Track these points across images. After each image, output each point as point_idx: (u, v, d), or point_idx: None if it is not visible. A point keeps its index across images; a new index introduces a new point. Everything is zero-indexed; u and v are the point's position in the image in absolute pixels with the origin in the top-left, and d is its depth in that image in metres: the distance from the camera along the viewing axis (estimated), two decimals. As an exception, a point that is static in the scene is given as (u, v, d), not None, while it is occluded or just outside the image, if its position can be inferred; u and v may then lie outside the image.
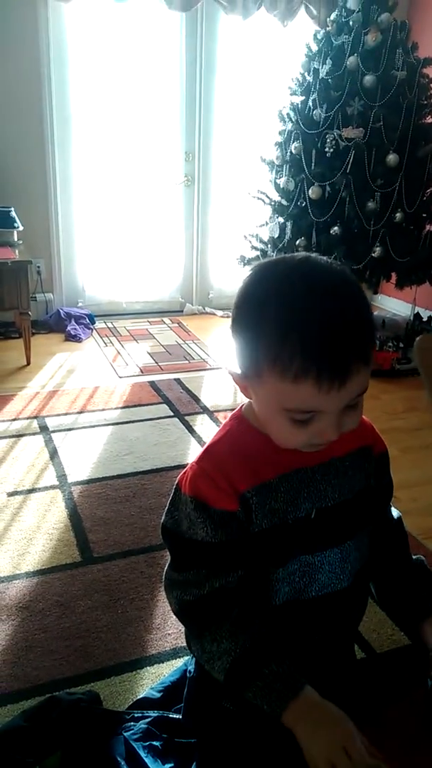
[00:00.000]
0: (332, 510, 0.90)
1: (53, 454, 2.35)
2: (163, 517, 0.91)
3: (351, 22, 3.13)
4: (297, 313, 0.72)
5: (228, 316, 4.56)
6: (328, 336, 0.71)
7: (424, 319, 3.66)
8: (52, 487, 2.14)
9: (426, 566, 1.04)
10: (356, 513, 0.93)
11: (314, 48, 3.30)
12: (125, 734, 1.15)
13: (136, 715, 1.21)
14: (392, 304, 4.38)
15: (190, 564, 0.87)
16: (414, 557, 1.05)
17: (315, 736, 0.74)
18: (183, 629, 1.51)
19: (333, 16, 3.26)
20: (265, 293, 0.76)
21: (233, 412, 0.94)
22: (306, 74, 3.32)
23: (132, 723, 1.18)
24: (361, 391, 0.76)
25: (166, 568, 0.92)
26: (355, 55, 3.05)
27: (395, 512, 1.05)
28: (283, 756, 0.84)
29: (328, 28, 3.26)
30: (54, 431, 2.54)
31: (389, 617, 1.03)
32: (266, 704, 0.78)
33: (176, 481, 0.91)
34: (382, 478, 0.99)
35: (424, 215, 3.30)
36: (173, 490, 0.91)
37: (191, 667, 1.06)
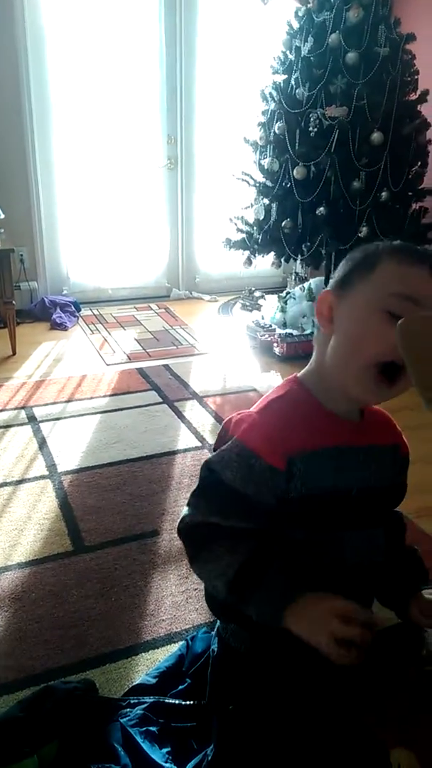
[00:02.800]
0: (372, 492, 0.93)
1: (42, 444, 2.34)
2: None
3: (332, -1, 3.08)
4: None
5: (215, 301, 4.55)
6: None
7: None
8: (42, 477, 2.12)
9: (417, 551, 1.06)
10: (388, 502, 0.98)
11: (295, 25, 3.25)
12: (122, 721, 1.15)
13: (132, 701, 1.21)
14: (379, 285, 4.38)
15: (204, 494, 0.90)
16: (408, 547, 1.07)
17: (309, 624, 0.79)
18: (177, 615, 1.52)
19: (314, -8, 3.21)
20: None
21: (288, 377, 0.96)
22: (288, 52, 3.27)
23: (128, 709, 1.18)
24: None
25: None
26: (337, 32, 3.01)
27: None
28: (310, 727, 0.87)
29: (309, 5, 3.20)
30: (42, 421, 2.52)
31: (383, 605, 1.04)
32: (267, 614, 0.83)
33: (222, 425, 0.94)
34: (403, 477, 1.03)
35: (410, 193, 3.28)
36: (219, 433, 0.95)
37: (214, 646, 1.07)
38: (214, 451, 0.93)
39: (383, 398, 0.87)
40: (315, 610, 0.80)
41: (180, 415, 2.59)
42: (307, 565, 0.90)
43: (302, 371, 0.95)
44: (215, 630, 1.08)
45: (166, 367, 3.11)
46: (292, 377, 0.96)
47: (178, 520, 0.93)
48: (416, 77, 3.22)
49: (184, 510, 0.93)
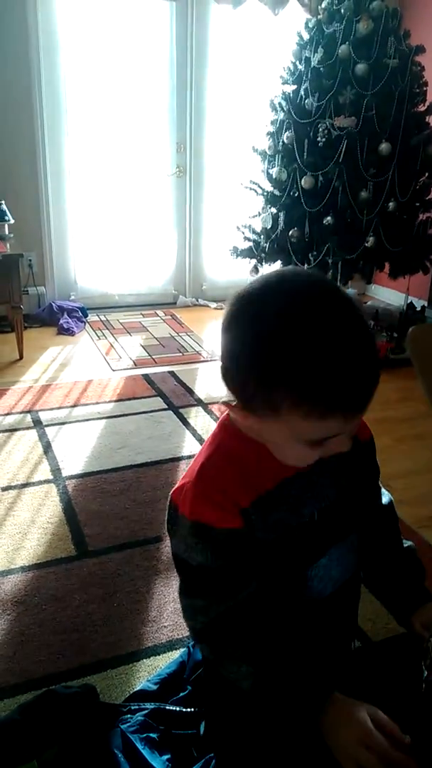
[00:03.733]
0: (333, 507, 0.89)
1: (47, 448, 2.35)
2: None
3: (342, 10, 3.10)
4: (320, 348, 0.68)
5: (221, 308, 4.56)
6: (357, 371, 0.70)
7: (417, 308, 3.65)
8: (47, 482, 2.13)
9: (416, 554, 1.05)
10: (355, 505, 0.93)
11: (305, 36, 3.27)
12: (122, 727, 1.15)
13: (132, 707, 1.21)
14: (385, 294, 4.38)
15: (192, 590, 0.85)
16: (405, 544, 1.05)
17: (338, 738, 0.76)
18: (179, 621, 1.52)
19: (324, 4, 3.23)
20: (279, 323, 0.69)
21: (219, 419, 0.90)
22: (297, 63, 3.29)
23: (129, 716, 1.18)
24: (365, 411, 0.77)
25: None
26: (347, 43, 3.03)
27: (386, 497, 1.06)
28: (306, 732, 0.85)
29: (319, 16, 3.23)
30: (47, 425, 2.53)
31: (379, 600, 1.03)
32: (294, 715, 0.80)
33: (170, 496, 0.88)
34: (369, 462, 1.00)
35: (417, 204, 3.29)
36: (168, 506, 0.88)
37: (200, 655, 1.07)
38: (168, 524, 0.87)
39: (313, 460, 0.81)
40: (343, 726, 0.75)
41: (185, 422, 2.60)
42: (280, 601, 0.88)
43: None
44: None
45: (172, 373, 3.12)
46: (221, 422, 0.89)
47: (190, 633, 0.91)
48: (425, 89, 3.24)
49: (185, 619, 0.89)
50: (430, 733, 0.80)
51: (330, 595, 0.91)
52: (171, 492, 0.89)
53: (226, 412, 0.88)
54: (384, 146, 3.02)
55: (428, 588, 1.00)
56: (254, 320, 0.72)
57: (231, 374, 0.77)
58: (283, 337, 0.69)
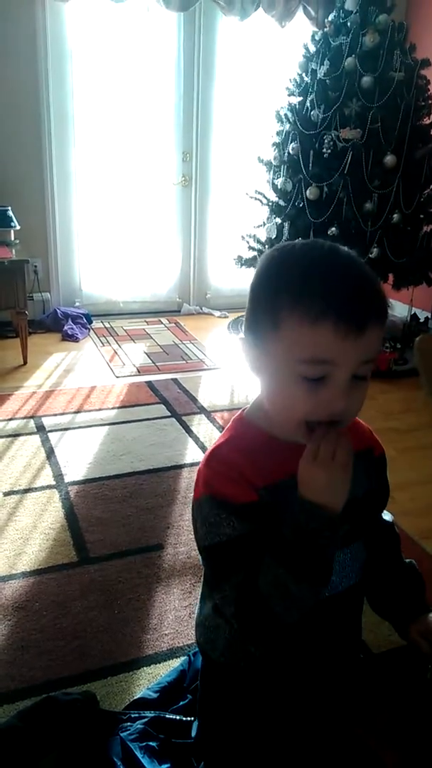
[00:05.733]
0: (343, 510, 0.89)
1: (50, 454, 2.35)
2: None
3: (349, 23, 3.13)
4: (318, 264, 0.77)
5: (225, 317, 4.57)
6: (351, 282, 0.75)
7: (421, 320, 3.66)
8: (49, 487, 2.13)
9: (416, 569, 1.05)
10: (364, 514, 0.93)
11: (312, 49, 3.30)
12: (122, 735, 1.15)
13: (132, 715, 1.21)
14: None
15: (227, 571, 0.82)
16: (407, 561, 1.05)
17: (300, 474, 0.79)
18: (180, 629, 1.52)
19: (331, 17, 3.27)
20: (288, 255, 0.80)
21: (235, 415, 0.92)
22: (304, 75, 3.32)
23: (129, 723, 1.18)
24: (375, 352, 0.78)
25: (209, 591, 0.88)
26: (353, 56, 3.06)
27: (388, 516, 1.06)
28: (291, 735, 0.84)
29: (326, 29, 3.26)
30: (51, 431, 2.53)
31: (381, 617, 1.03)
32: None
33: (192, 500, 0.88)
34: (381, 479, 1.00)
35: (422, 216, 3.30)
36: (191, 510, 0.88)
37: (200, 661, 1.05)
38: (193, 523, 0.88)
39: (311, 411, 0.80)
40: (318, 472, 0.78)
41: (188, 429, 2.60)
42: None
43: (249, 407, 0.90)
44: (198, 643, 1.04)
45: (175, 381, 3.13)
46: (237, 416, 0.91)
47: (232, 625, 0.87)
48: (430, 102, 3.26)
49: (226, 611, 0.84)
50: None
51: (326, 600, 0.89)
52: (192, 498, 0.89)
53: (242, 408, 0.90)
54: (389, 158, 3.03)
55: (429, 600, 1.01)
56: (264, 259, 0.83)
57: (248, 305, 0.84)
58: (285, 258, 0.80)
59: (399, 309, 4.15)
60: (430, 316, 3.69)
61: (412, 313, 3.69)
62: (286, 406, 0.80)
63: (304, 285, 0.75)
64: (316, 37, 3.30)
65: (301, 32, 3.75)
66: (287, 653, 0.89)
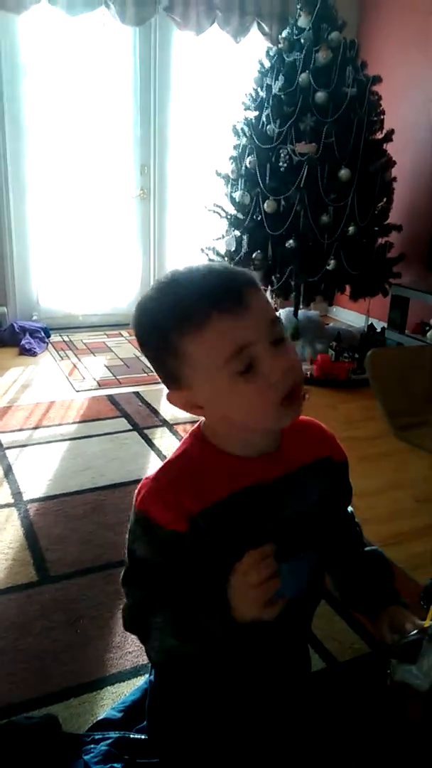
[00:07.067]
0: (290, 521, 0.90)
1: (7, 472, 2.30)
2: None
3: (302, 40, 3.20)
4: (169, 284, 0.83)
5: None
6: (204, 274, 0.80)
7: (378, 329, 3.73)
8: (7, 506, 2.08)
9: (383, 555, 1.07)
10: (316, 523, 0.94)
11: (267, 64, 3.36)
12: (85, 758, 1.12)
13: (96, 736, 1.18)
14: (347, 316, 4.46)
15: (132, 580, 0.90)
16: (372, 547, 1.07)
17: (234, 596, 0.80)
18: (143, 647, 1.49)
19: (284, 33, 3.33)
20: (145, 301, 0.86)
21: (193, 428, 0.94)
22: (259, 90, 3.37)
23: (92, 746, 1.15)
24: (272, 311, 0.81)
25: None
26: (307, 72, 3.12)
27: (348, 508, 1.08)
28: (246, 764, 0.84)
29: (279, 45, 3.32)
30: (8, 448, 2.48)
31: (354, 610, 1.04)
32: (226, 630, 0.83)
33: (135, 493, 0.92)
34: (342, 485, 1.02)
35: (376, 228, 3.38)
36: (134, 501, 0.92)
37: (152, 677, 1.06)
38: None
39: (292, 418, 0.84)
40: (235, 592, 0.80)
41: (150, 443, 2.58)
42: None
43: (202, 420, 0.91)
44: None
45: (137, 394, 3.11)
46: (195, 428, 0.93)
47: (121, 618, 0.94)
48: (382, 117, 3.36)
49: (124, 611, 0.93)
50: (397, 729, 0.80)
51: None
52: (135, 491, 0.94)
53: (199, 421, 0.92)
54: (343, 172, 3.10)
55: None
56: (132, 321, 0.89)
57: (151, 364, 0.88)
58: (146, 304, 0.86)
59: (356, 319, 4.23)
60: (386, 326, 3.76)
61: (369, 323, 3.76)
62: (251, 409, 0.81)
63: (173, 307, 0.79)
64: (271, 53, 3.36)
65: (255, 48, 3.81)
66: (230, 657, 0.90)
